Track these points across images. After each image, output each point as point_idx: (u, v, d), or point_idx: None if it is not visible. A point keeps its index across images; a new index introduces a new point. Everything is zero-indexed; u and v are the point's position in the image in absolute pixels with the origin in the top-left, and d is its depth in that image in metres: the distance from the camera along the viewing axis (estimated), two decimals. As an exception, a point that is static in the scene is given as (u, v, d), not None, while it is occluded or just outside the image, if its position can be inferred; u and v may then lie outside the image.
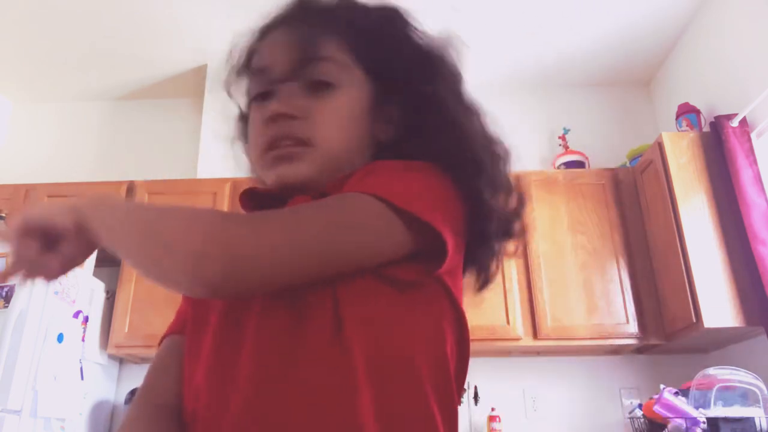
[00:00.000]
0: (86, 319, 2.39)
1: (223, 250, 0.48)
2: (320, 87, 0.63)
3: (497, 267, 0.67)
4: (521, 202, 0.67)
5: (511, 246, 0.67)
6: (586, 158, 2.96)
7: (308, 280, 0.52)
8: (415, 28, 0.69)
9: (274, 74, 0.64)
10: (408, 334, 0.55)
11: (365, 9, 0.68)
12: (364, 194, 0.54)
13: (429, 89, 0.66)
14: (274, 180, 0.62)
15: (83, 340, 2.36)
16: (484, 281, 0.67)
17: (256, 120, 0.65)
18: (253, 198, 0.68)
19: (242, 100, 0.70)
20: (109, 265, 2.65)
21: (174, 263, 0.49)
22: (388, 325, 0.54)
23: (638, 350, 2.66)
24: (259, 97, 0.65)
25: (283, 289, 0.52)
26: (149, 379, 0.63)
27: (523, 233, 0.67)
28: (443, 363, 0.56)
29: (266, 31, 0.67)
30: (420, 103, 0.66)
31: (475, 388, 2.56)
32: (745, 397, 1.96)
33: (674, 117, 2.71)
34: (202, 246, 0.48)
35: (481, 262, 0.66)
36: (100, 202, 0.55)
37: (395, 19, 0.69)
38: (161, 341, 0.68)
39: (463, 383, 0.62)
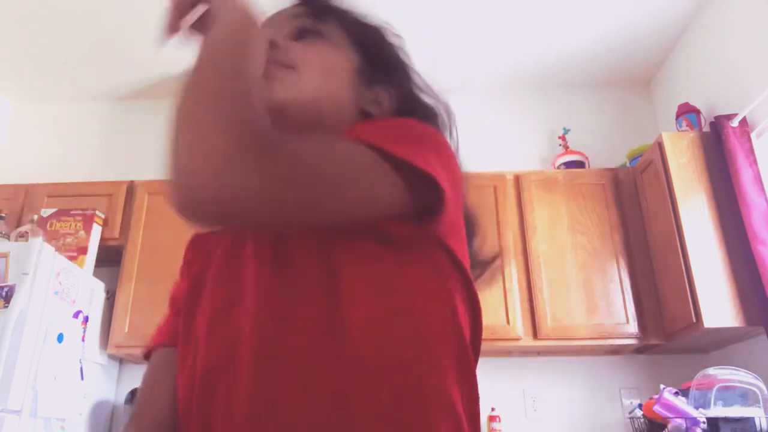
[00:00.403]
0: (86, 319, 2.39)
1: (217, 180, 0.46)
2: (311, 37, 0.68)
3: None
4: (483, 240, 0.70)
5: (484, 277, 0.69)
6: (586, 158, 2.96)
7: (299, 223, 0.52)
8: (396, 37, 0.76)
9: (280, 27, 0.68)
10: (410, 290, 0.54)
11: (360, 13, 0.74)
12: (358, 142, 0.53)
13: (408, 86, 0.72)
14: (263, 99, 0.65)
15: (83, 340, 2.37)
16: None
17: None
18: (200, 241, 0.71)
19: None
20: (109, 265, 2.65)
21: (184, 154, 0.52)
22: (387, 279, 0.53)
23: (638, 350, 2.66)
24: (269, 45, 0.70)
25: (275, 229, 0.53)
26: (144, 396, 0.64)
27: (496, 265, 0.70)
28: (454, 323, 0.55)
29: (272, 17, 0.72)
30: (402, 96, 0.71)
31: (475, 388, 2.56)
32: (745, 397, 1.96)
33: (674, 117, 2.71)
34: (201, 163, 0.48)
35: None
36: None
37: (383, 27, 0.75)
38: (149, 352, 0.68)
39: (478, 354, 0.60)
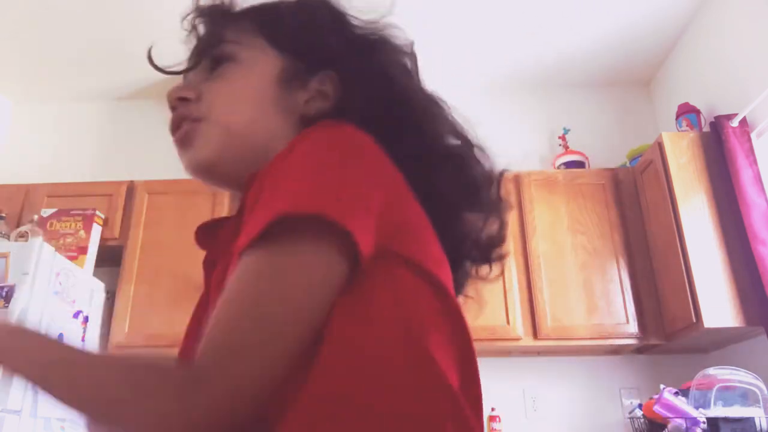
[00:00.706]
0: (86, 319, 2.39)
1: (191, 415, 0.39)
2: (220, 66, 0.63)
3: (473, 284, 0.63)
4: (502, 225, 0.63)
5: (489, 270, 0.62)
6: (586, 158, 2.96)
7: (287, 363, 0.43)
8: (343, 12, 0.65)
9: (185, 69, 0.65)
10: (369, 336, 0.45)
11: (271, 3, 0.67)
12: (256, 252, 0.44)
13: (362, 63, 0.62)
14: (186, 168, 0.62)
15: (83, 340, 2.36)
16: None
17: None
18: (206, 231, 0.64)
19: None
20: (109, 265, 2.65)
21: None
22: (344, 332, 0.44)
23: (638, 350, 2.66)
24: None
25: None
26: None
27: (503, 258, 0.63)
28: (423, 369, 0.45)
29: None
30: (355, 77, 0.61)
31: (475, 388, 2.56)
32: (745, 397, 1.96)
33: (674, 117, 2.71)
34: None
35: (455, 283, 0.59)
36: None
37: (318, 6, 0.65)
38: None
39: (475, 385, 0.51)
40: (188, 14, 0.67)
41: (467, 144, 0.64)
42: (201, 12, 0.66)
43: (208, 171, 0.61)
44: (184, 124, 0.61)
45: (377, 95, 0.61)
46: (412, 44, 0.66)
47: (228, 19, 0.64)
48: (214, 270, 0.55)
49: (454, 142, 0.63)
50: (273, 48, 0.62)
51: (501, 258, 0.64)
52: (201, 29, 0.66)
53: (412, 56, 0.66)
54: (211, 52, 0.63)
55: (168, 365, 0.43)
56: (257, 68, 0.62)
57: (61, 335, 2.15)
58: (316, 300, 0.44)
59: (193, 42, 0.66)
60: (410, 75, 0.65)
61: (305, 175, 0.47)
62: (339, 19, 0.65)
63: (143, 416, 0.40)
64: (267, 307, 0.42)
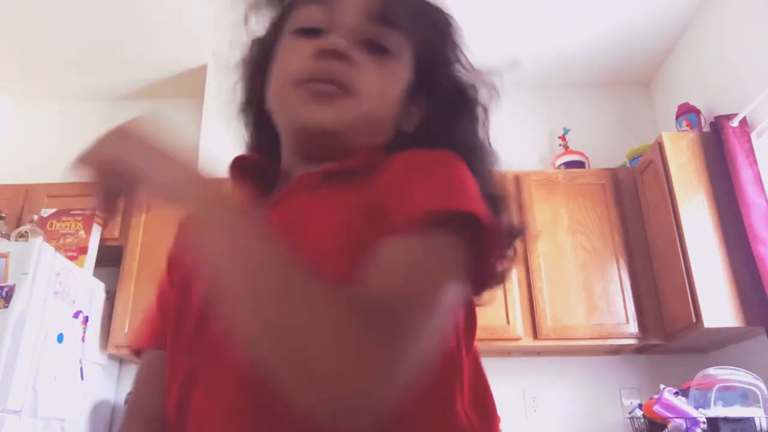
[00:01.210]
0: (86, 319, 2.39)
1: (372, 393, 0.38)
2: (379, 52, 0.61)
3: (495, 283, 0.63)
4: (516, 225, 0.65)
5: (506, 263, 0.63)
6: (586, 158, 2.96)
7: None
8: (461, 47, 0.69)
9: (344, 17, 0.60)
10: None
11: (436, 9, 0.68)
12: (428, 231, 0.46)
13: (461, 99, 0.66)
14: (302, 119, 0.58)
15: (83, 340, 2.36)
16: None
17: (298, 50, 0.60)
18: (243, 169, 0.65)
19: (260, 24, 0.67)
20: (109, 265, 2.65)
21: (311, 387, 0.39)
22: None
23: (638, 350, 2.66)
24: (304, 32, 0.61)
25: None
26: (136, 395, 0.64)
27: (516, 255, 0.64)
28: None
29: None
30: (447, 112, 0.65)
31: (475, 388, 2.56)
32: (745, 397, 1.96)
33: (674, 117, 2.71)
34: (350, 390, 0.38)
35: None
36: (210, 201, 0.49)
37: (452, 31, 0.69)
38: (136, 351, 0.68)
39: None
40: None
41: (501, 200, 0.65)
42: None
43: (319, 136, 0.58)
44: (331, 83, 0.57)
45: (446, 140, 0.63)
46: (493, 100, 0.69)
47: (411, 16, 0.63)
48: (273, 209, 0.58)
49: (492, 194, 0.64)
50: (411, 61, 0.64)
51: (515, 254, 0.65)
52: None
53: (486, 111, 0.69)
54: (380, 31, 0.61)
55: (363, 304, 0.41)
56: (401, 72, 0.63)
57: (61, 335, 2.15)
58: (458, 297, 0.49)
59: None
60: (482, 131, 0.68)
61: (466, 185, 0.52)
62: (459, 58, 0.68)
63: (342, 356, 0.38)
64: (440, 283, 0.46)
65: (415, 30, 0.63)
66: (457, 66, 0.67)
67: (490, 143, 0.68)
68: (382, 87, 0.60)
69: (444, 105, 0.65)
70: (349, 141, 0.59)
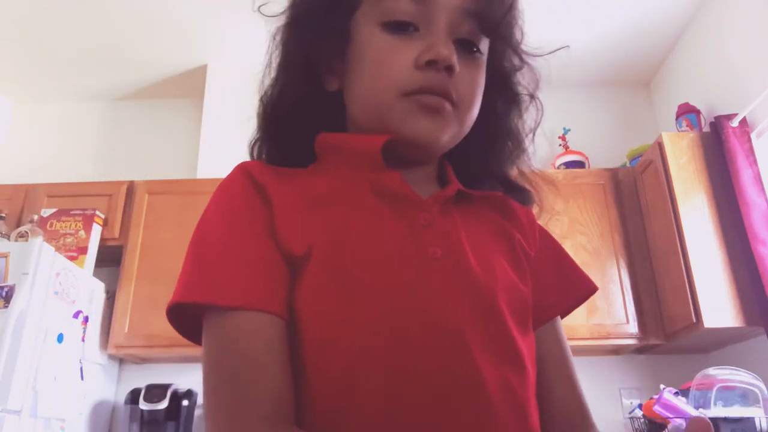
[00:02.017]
0: (86, 319, 2.39)
1: None
2: (471, 52, 0.58)
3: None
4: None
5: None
6: (586, 158, 2.96)
7: None
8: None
9: (440, 14, 0.56)
10: None
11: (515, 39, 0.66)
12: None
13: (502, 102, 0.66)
14: (411, 132, 0.55)
15: (83, 340, 2.36)
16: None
17: (396, 53, 0.56)
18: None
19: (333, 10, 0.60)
20: (109, 265, 2.65)
21: None
22: None
23: (638, 350, 2.66)
24: (395, 25, 0.56)
25: None
26: (244, 380, 0.48)
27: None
28: None
29: None
30: (500, 101, 0.65)
31: (475, 388, 2.56)
32: (745, 397, 1.96)
33: (674, 117, 2.71)
34: None
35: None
36: None
37: (518, 14, 0.66)
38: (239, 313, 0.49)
39: None
40: None
41: None
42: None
43: (426, 148, 0.57)
44: (445, 100, 0.55)
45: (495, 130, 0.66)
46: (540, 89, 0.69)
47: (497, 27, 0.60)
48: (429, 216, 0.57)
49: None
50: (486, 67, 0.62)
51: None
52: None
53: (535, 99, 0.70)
54: (475, 35, 0.58)
55: None
56: (485, 71, 0.61)
57: (61, 335, 2.15)
58: None
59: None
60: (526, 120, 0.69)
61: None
62: (519, 44, 0.66)
63: None
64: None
65: (505, 14, 0.60)
66: (518, 51, 0.65)
67: (533, 131, 0.68)
68: (476, 95, 0.59)
69: (492, 93, 0.63)
70: (438, 152, 0.60)
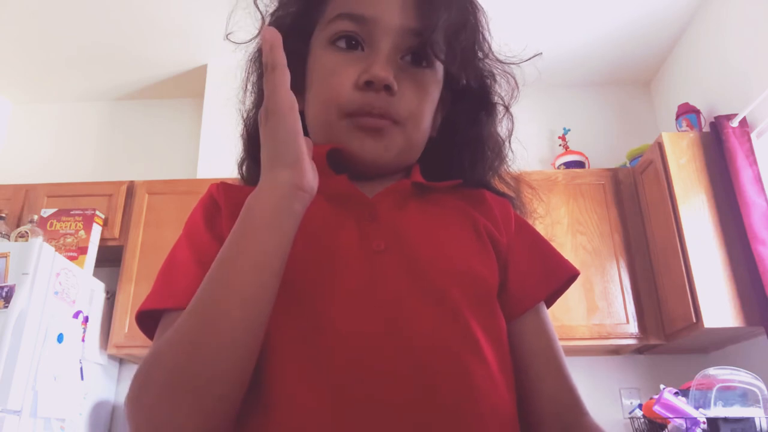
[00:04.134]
0: (86, 319, 2.39)
1: None
2: (418, 65, 0.59)
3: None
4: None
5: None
6: (586, 158, 2.96)
7: None
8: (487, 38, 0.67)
9: (383, 32, 0.58)
10: None
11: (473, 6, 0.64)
12: None
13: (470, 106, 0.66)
14: (352, 151, 0.58)
15: (83, 340, 2.36)
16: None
17: (339, 71, 0.58)
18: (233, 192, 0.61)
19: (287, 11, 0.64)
20: (109, 265, 2.65)
21: None
22: None
23: (638, 350, 2.66)
24: (342, 40, 0.59)
25: None
26: None
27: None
28: None
29: None
30: (468, 108, 0.66)
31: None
32: (745, 397, 1.96)
33: (674, 117, 2.71)
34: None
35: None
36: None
37: (480, 19, 0.65)
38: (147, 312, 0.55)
39: None
40: None
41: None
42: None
43: (367, 165, 0.59)
44: (382, 118, 0.57)
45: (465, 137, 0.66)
46: (514, 95, 0.69)
47: (447, 15, 0.59)
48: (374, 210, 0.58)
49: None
50: (444, 72, 0.63)
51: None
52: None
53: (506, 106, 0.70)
54: (418, 45, 0.59)
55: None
56: (436, 83, 0.62)
57: (61, 335, 2.15)
58: None
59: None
60: (499, 125, 0.69)
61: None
62: (483, 48, 0.65)
63: None
64: None
65: (448, 29, 0.59)
66: (482, 57, 0.65)
67: (507, 140, 0.69)
68: (422, 110, 0.60)
69: (466, 102, 0.66)
70: (389, 166, 0.60)
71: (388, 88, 0.56)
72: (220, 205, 0.58)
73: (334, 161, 0.58)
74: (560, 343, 0.64)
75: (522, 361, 0.58)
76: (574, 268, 0.63)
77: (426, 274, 0.54)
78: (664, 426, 2.08)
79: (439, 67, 0.62)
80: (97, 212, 2.63)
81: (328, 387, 0.47)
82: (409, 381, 0.48)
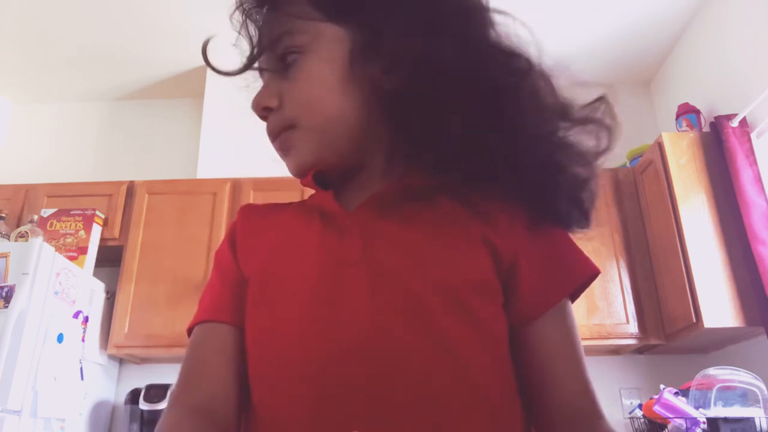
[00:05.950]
0: (86, 319, 2.39)
1: None
2: (288, 62, 0.60)
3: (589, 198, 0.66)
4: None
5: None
6: (586, 158, 2.96)
7: None
8: None
9: (256, 55, 0.62)
10: None
11: None
12: None
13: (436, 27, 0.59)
14: (290, 172, 0.63)
15: (83, 340, 2.37)
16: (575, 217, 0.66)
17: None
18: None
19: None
20: (109, 265, 2.65)
21: None
22: None
23: (638, 350, 2.66)
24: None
25: None
26: (186, 376, 0.57)
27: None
28: None
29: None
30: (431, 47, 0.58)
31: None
32: (745, 397, 1.96)
33: (674, 117, 2.71)
34: None
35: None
36: None
37: None
38: (190, 330, 0.61)
39: None
40: (235, 9, 0.64)
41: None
42: (247, 7, 0.63)
43: (312, 169, 0.60)
44: (280, 135, 0.61)
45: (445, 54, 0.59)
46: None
47: (277, 7, 0.61)
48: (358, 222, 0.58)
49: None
50: (332, 22, 0.58)
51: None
52: (251, 26, 0.63)
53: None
54: (272, 51, 0.60)
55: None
56: (324, 53, 0.58)
57: (61, 335, 2.15)
58: None
59: (248, 40, 0.63)
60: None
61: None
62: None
63: None
64: None
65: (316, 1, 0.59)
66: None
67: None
68: (309, 98, 0.58)
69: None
70: (338, 150, 0.59)
71: (267, 109, 0.60)
72: (236, 239, 0.64)
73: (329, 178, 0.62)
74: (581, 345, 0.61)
75: (539, 363, 0.58)
76: (594, 267, 0.62)
77: (397, 283, 0.53)
78: (664, 426, 2.08)
79: (320, 44, 0.58)
80: (97, 212, 2.63)
81: (284, 388, 0.52)
82: (361, 390, 0.49)
